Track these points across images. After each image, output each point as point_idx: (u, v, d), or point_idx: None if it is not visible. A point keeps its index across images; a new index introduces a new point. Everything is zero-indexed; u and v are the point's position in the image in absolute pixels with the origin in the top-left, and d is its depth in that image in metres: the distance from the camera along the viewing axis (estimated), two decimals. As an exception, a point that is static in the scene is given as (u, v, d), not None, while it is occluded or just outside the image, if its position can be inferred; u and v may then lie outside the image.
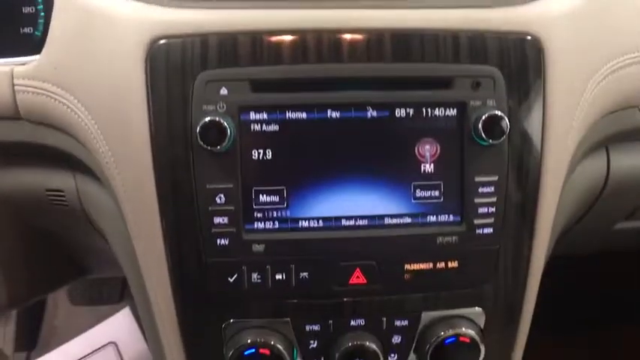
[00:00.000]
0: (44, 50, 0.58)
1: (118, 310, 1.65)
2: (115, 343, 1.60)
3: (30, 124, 0.60)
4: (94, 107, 0.55)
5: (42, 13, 0.63)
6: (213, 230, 0.54)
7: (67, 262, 0.85)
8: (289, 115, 0.54)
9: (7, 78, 0.58)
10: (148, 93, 0.53)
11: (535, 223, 0.59)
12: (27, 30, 0.65)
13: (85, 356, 1.59)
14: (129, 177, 0.55)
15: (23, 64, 0.59)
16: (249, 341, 0.56)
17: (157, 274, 0.57)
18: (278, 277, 0.56)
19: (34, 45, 0.62)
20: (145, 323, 0.67)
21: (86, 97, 0.56)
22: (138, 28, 0.52)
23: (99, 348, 1.60)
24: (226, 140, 0.51)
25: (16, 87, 0.58)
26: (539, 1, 0.57)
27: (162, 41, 0.52)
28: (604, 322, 1.57)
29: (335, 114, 0.54)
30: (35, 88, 0.58)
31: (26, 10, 0.64)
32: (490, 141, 0.54)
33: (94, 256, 0.85)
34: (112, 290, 1.52)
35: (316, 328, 0.58)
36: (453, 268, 0.57)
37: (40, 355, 1.50)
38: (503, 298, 0.60)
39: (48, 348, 1.58)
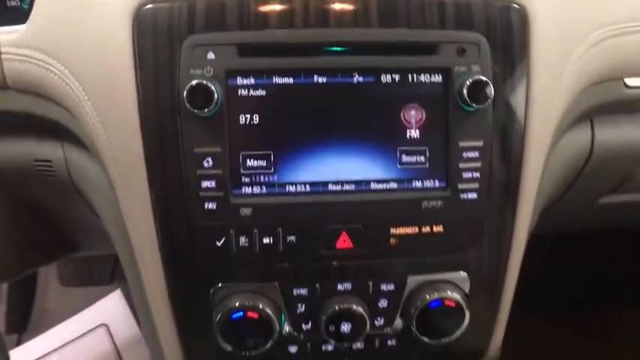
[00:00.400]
0: (31, 18, 0.58)
1: (109, 292, 1.66)
2: (106, 325, 1.61)
3: (17, 93, 0.61)
4: (81, 74, 0.56)
5: None
6: (201, 194, 0.55)
7: (57, 237, 0.85)
8: (276, 79, 0.54)
9: None
10: (135, 58, 0.53)
11: (519, 189, 0.60)
12: (14, 3, 0.66)
13: (76, 338, 1.60)
14: (117, 143, 0.56)
15: (10, 33, 0.58)
16: (237, 305, 0.56)
17: (145, 240, 0.57)
18: (265, 240, 0.57)
19: (21, 16, 0.62)
20: (135, 294, 0.68)
21: (73, 63, 0.56)
22: None
23: (90, 330, 1.61)
24: (213, 104, 0.52)
25: (2, 55, 0.58)
26: None
27: (149, 6, 0.52)
28: (588, 302, 1.60)
29: (321, 79, 0.55)
30: (22, 56, 0.58)
31: None
32: (474, 106, 0.55)
33: (83, 231, 0.86)
34: (102, 271, 1.53)
35: (304, 292, 0.59)
36: (438, 232, 0.58)
37: (31, 338, 1.50)
38: (487, 264, 0.61)
39: (39, 330, 1.59)
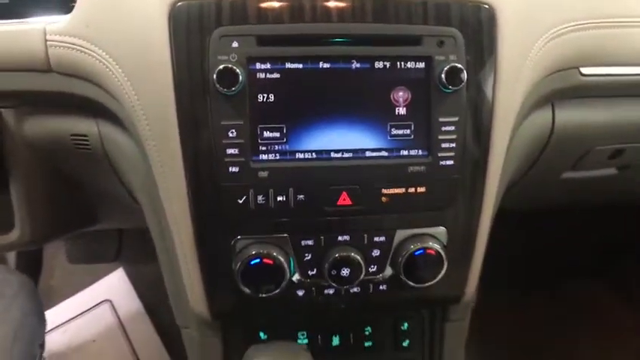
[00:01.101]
0: (75, 9, 0.64)
1: (112, 269, 1.72)
2: (110, 301, 1.68)
3: (59, 75, 0.66)
4: (122, 59, 0.62)
5: None
6: (226, 160, 0.62)
7: (85, 208, 0.92)
8: (288, 65, 0.61)
9: (40, 34, 0.64)
10: (171, 46, 0.59)
11: (488, 157, 0.67)
12: None
13: (81, 313, 1.66)
14: (154, 119, 0.62)
15: (55, 22, 0.65)
16: (254, 253, 0.64)
17: (177, 199, 0.65)
18: (279, 199, 0.64)
19: (58, 6, 0.68)
20: (161, 253, 0.76)
21: (115, 50, 0.62)
22: None
23: (95, 305, 1.67)
24: (238, 84, 0.59)
25: (48, 42, 0.64)
26: None
27: (182, 3, 0.59)
28: (555, 278, 1.68)
29: (326, 65, 0.62)
30: (66, 43, 0.64)
31: None
32: (451, 88, 0.62)
33: (108, 204, 0.92)
34: (108, 248, 1.59)
35: (310, 242, 0.67)
36: (421, 193, 0.66)
37: (37, 313, 1.57)
38: (462, 220, 0.69)
39: (45, 307, 1.64)
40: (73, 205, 0.89)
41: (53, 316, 1.65)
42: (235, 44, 0.60)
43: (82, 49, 0.64)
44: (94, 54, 0.63)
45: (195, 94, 0.61)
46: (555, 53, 0.70)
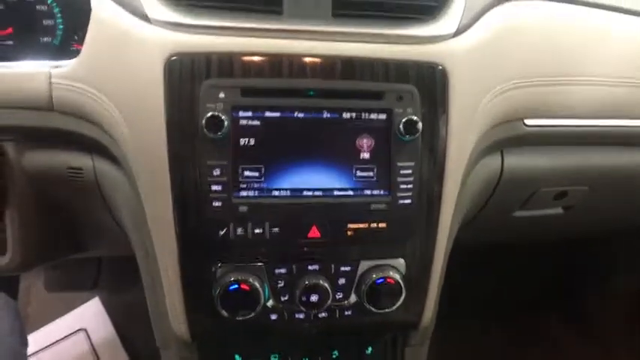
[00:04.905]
0: (80, 56, 0.69)
1: (88, 298, 1.74)
2: (85, 330, 1.68)
3: (60, 114, 0.72)
4: (120, 103, 0.68)
5: (60, 26, 0.77)
6: (211, 195, 0.67)
7: (73, 236, 0.95)
8: (268, 113, 0.67)
9: (45, 77, 0.70)
10: (165, 94, 0.65)
11: (442, 197, 0.74)
12: (46, 39, 0.78)
13: (57, 341, 1.66)
14: (147, 157, 0.68)
15: (60, 67, 0.70)
16: (232, 279, 0.70)
17: (164, 229, 0.70)
18: (256, 231, 0.69)
19: (55, 52, 0.75)
20: (146, 280, 0.80)
21: (114, 95, 0.68)
22: (160, 48, 0.65)
23: (70, 334, 1.68)
24: (223, 129, 0.65)
25: (53, 85, 0.70)
26: (447, 42, 0.72)
27: (177, 57, 0.65)
28: (510, 309, 1.75)
29: (300, 114, 0.68)
30: (70, 86, 0.69)
31: (46, 22, 0.77)
32: (408, 137, 0.69)
33: (95, 233, 0.96)
34: (86, 277, 1.60)
35: (283, 271, 0.72)
36: (382, 228, 0.72)
37: (12, 341, 1.57)
38: (419, 253, 0.76)
39: None
40: (63, 232, 0.93)
41: (30, 343, 1.65)
42: (222, 94, 0.66)
43: (84, 92, 0.70)
44: (95, 97, 0.69)
45: (185, 137, 0.67)
46: (501, 107, 0.78)
